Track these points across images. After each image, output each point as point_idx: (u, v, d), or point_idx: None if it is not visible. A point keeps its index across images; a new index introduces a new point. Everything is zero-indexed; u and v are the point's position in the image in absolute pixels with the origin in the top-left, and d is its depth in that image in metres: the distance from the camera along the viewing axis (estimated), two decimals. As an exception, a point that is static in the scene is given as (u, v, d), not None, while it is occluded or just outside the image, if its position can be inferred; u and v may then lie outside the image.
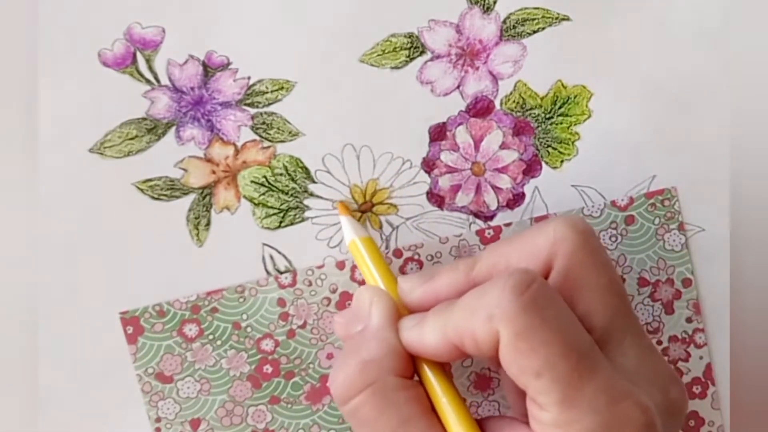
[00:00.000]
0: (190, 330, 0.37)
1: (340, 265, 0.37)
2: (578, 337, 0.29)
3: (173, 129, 0.37)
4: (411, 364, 0.32)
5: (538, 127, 0.38)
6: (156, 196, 0.37)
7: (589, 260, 0.31)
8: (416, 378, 0.32)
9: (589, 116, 0.38)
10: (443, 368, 0.32)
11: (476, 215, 0.38)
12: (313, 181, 0.37)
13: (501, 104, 0.38)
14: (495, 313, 0.28)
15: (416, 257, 0.38)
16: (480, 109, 0.38)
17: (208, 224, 0.37)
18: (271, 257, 0.37)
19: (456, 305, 0.30)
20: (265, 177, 0.37)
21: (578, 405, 0.28)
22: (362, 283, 0.37)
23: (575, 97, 0.38)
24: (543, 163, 0.38)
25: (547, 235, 0.31)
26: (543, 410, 0.28)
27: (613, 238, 0.38)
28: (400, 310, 0.33)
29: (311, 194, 0.37)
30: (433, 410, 0.31)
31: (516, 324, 0.28)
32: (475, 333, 0.29)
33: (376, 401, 0.30)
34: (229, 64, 0.37)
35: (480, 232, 0.38)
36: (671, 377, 0.31)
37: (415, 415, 0.30)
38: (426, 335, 0.31)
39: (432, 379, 0.32)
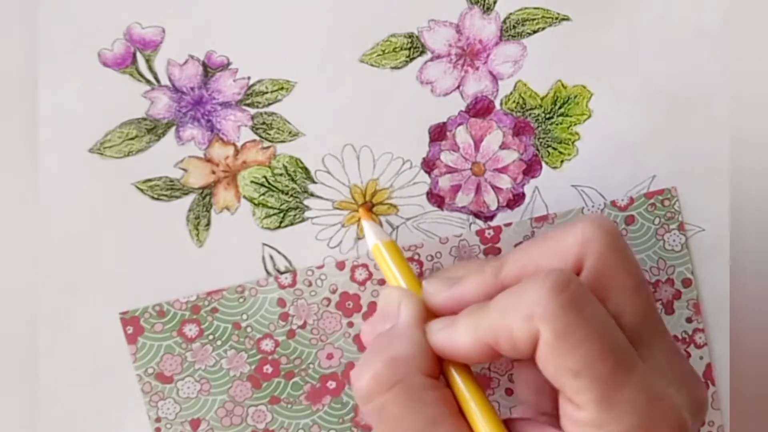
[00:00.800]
0: (190, 330, 0.37)
1: (340, 266, 0.37)
2: (615, 336, 0.29)
3: (173, 129, 0.37)
4: (438, 366, 0.31)
5: (538, 127, 0.38)
6: (156, 196, 0.37)
7: (619, 261, 0.31)
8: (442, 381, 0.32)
9: (589, 116, 0.38)
10: (470, 371, 0.32)
11: (476, 215, 0.38)
12: (313, 182, 0.37)
13: (501, 104, 0.38)
14: (535, 312, 0.28)
15: (416, 257, 0.38)
16: (480, 109, 0.38)
17: (208, 224, 0.37)
18: (271, 257, 0.37)
19: (491, 306, 0.30)
20: (265, 177, 0.37)
21: (617, 405, 0.28)
22: (363, 283, 0.37)
23: (575, 97, 0.38)
24: (543, 163, 0.38)
25: (575, 235, 0.31)
26: (580, 410, 0.28)
27: (613, 238, 0.38)
28: (426, 314, 0.33)
29: (311, 194, 0.37)
30: (460, 413, 0.31)
31: (557, 323, 0.28)
32: (512, 332, 0.29)
33: (403, 399, 0.30)
34: (229, 64, 0.37)
35: (480, 233, 0.38)
36: (695, 377, 0.31)
37: (443, 415, 0.30)
38: (458, 336, 0.31)
39: (460, 382, 0.31)
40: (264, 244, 0.37)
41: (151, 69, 0.37)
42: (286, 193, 0.37)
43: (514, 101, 0.38)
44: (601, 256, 0.30)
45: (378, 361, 0.31)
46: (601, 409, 0.28)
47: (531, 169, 0.38)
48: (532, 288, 0.29)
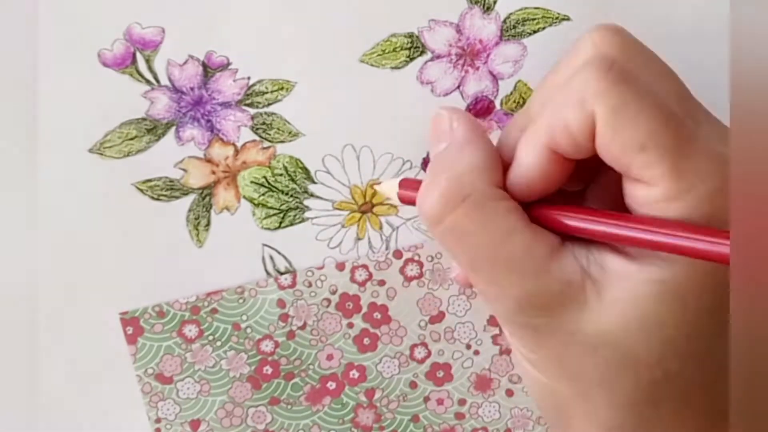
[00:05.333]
0: (190, 331, 0.37)
1: (340, 267, 0.37)
2: (671, 107, 0.28)
3: (173, 129, 0.37)
4: (502, 175, 0.30)
5: (538, 127, 0.38)
6: (156, 196, 0.37)
7: (638, 51, 0.30)
8: None
9: (590, 116, 0.38)
10: None
11: (476, 216, 0.38)
12: (313, 182, 0.37)
13: (501, 104, 0.38)
14: (586, 95, 0.27)
15: (416, 258, 0.38)
16: (480, 109, 0.38)
17: (208, 225, 0.37)
18: (271, 258, 0.37)
19: (543, 108, 0.29)
20: (265, 177, 0.37)
21: (689, 172, 0.27)
22: (363, 284, 0.37)
23: (575, 97, 0.38)
24: (543, 164, 0.38)
25: (587, 41, 0.30)
26: (651, 186, 0.27)
27: (614, 239, 0.38)
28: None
29: (311, 195, 0.37)
30: (532, 223, 0.29)
31: (611, 98, 0.27)
32: (568, 124, 0.28)
33: (475, 214, 0.29)
34: (229, 64, 0.37)
35: (480, 233, 0.38)
36: None
37: (519, 223, 0.29)
38: (520, 150, 0.30)
39: None
40: (264, 245, 0.37)
41: (150, 69, 0.37)
42: (286, 194, 0.37)
43: (514, 101, 0.38)
44: (621, 47, 0.29)
45: (441, 180, 0.29)
46: (673, 180, 0.27)
47: (531, 169, 0.38)
48: (578, 76, 0.28)
